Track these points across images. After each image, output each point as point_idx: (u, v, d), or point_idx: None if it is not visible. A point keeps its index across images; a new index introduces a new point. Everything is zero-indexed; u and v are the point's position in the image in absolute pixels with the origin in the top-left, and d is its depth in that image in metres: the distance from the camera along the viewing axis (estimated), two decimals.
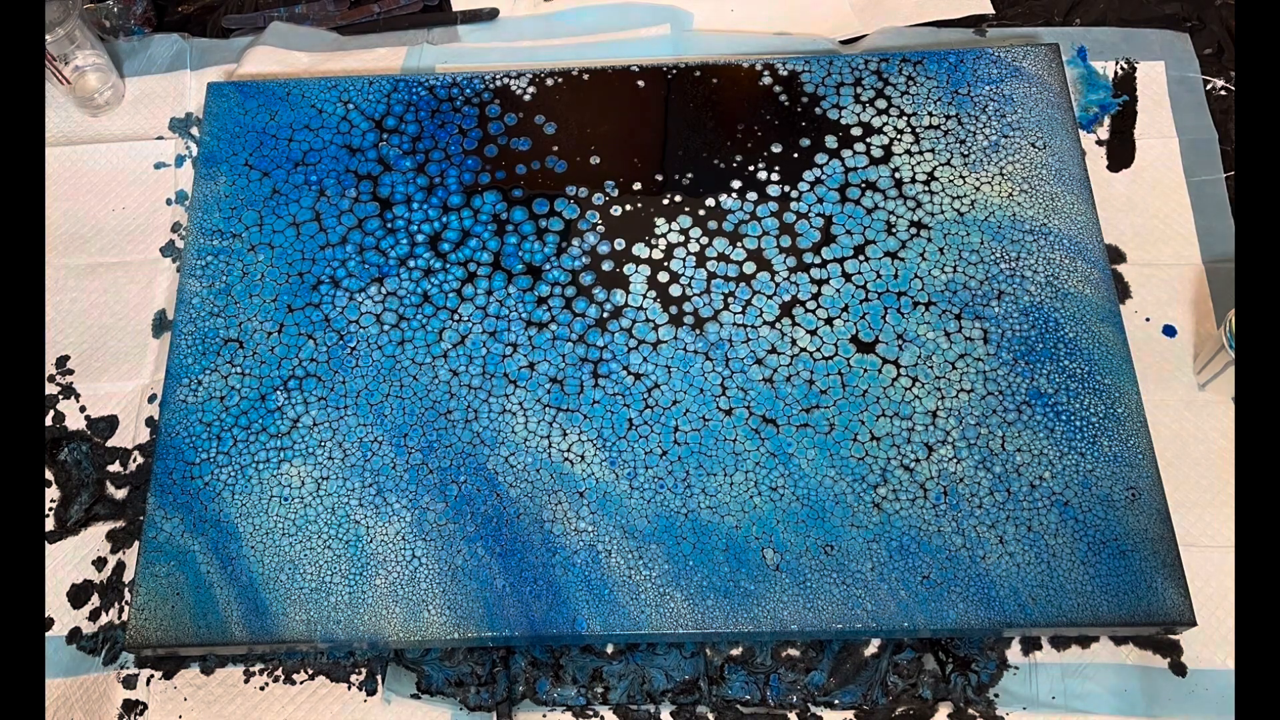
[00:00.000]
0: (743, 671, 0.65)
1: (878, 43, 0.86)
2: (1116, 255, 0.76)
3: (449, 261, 0.74)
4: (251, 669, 0.65)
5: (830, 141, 0.77)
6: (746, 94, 0.80)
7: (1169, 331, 0.74)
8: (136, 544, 0.68)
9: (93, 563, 0.69)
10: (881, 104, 0.79)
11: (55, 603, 0.68)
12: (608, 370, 0.70)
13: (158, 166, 0.84)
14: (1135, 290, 0.75)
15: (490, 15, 0.90)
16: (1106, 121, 0.82)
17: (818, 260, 0.73)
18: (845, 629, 0.62)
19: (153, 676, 0.65)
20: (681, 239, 0.74)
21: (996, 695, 0.63)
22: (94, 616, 0.67)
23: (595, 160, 0.78)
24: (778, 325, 0.71)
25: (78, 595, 0.68)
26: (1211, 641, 0.64)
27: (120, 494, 0.71)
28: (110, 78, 0.85)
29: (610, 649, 0.65)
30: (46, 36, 0.78)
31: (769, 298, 0.72)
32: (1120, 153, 0.81)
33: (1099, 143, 0.82)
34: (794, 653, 0.65)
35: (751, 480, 0.66)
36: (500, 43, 0.90)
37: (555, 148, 0.79)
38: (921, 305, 0.71)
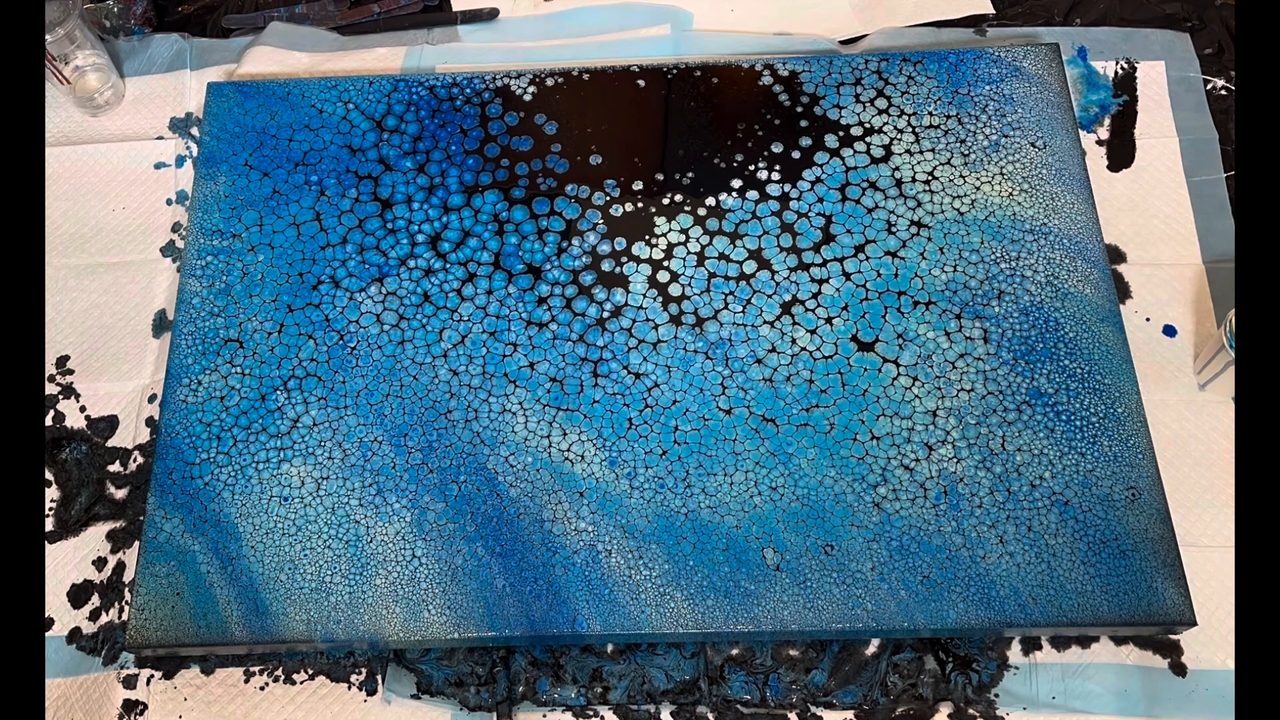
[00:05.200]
0: (743, 671, 0.65)
1: (878, 43, 0.86)
2: (1116, 255, 0.76)
3: (449, 261, 0.74)
4: (251, 669, 0.65)
5: (830, 141, 0.78)
6: (746, 94, 0.80)
7: (1169, 331, 0.74)
8: (136, 544, 0.68)
9: (93, 563, 0.69)
10: (882, 104, 0.79)
11: (55, 603, 0.68)
12: (608, 370, 0.70)
13: (158, 166, 0.84)
14: (1135, 290, 0.75)
15: (490, 15, 0.90)
16: (1106, 121, 0.82)
17: (818, 259, 0.73)
18: (845, 629, 0.62)
19: (153, 676, 0.65)
20: (682, 238, 0.74)
21: (997, 695, 0.63)
22: (94, 616, 0.67)
23: (596, 160, 0.78)
24: (778, 324, 0.71)
25: (78, 595, 0.68)
26: (1211, 641, 0.64)
27: (120, 494, 0.71)
28: (110, 78, 0.85)
29: (610, 649, 0.65)
30: (46, 36, 0.78)
31: (769, 297, 0.72)
32: (1120, 153, 0.81)
33: (1099, 143, 0.82)
34: (794, 653, 0.65)
35: (751, 480, 0.66)
36: (500, 43, 0.90)
37: (556, 147, 0.79)
38: (922, 304, 0.71)
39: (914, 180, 0.76)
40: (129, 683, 0.65)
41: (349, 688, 0.65)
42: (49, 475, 0.72)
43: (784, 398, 0.68)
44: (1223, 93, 0.84)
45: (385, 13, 0.91)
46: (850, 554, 0.64)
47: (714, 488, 0.66)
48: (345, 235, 0.75)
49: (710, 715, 0.63)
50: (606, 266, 0.74)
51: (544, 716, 0.64)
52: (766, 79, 0.81)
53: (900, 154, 0.77)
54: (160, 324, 0.77)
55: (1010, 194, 0.75)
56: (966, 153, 0.77)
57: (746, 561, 0.64)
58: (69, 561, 0.69)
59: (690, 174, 0.77)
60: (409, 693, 0.65)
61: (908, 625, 0.62)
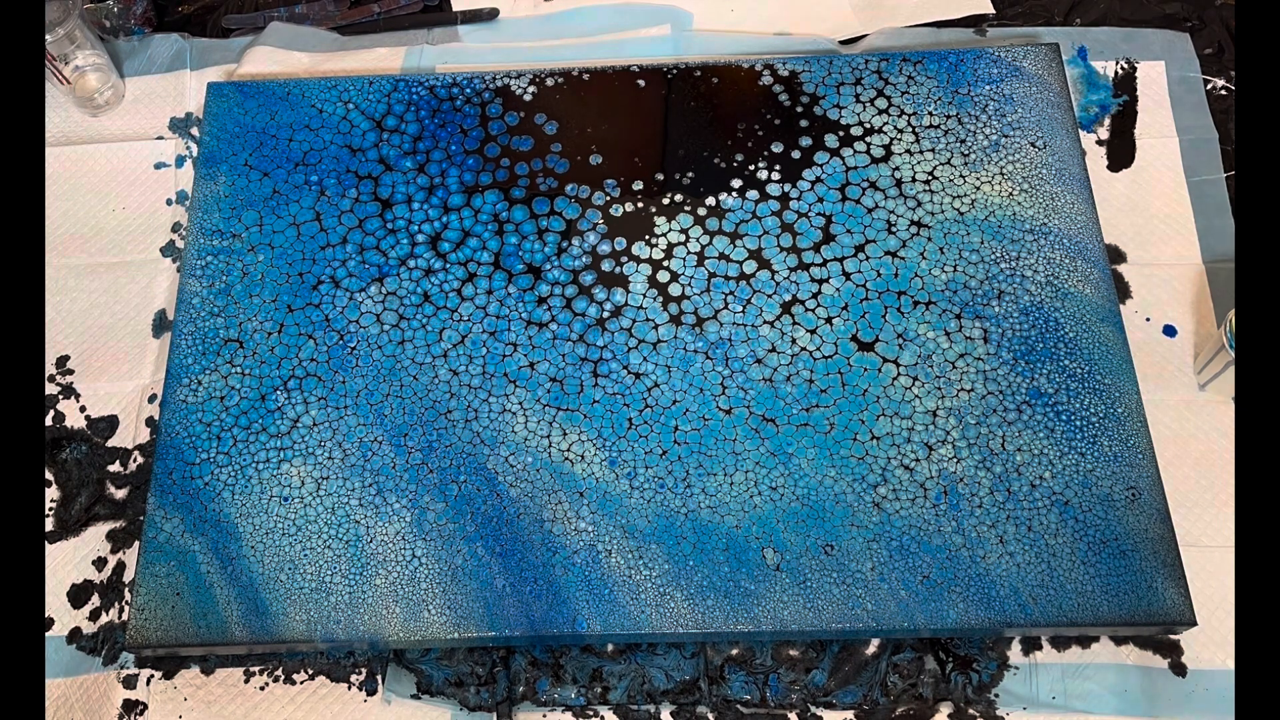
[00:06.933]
0: (743, 671, 0.65)
1: (877, 43, 0.86)
2: (1116, 255, 0.76)
3: (449, 261, 0.74)
4: (251, 669, 0.65)
5: (831, 141, 0.78)
6: (746, 94, 0.80)
7: (1169, 331, 0.74)
8: (136, 544, 0.68)
9: (93, 563, 0.69)
10: (882, 103, 0.79)
11: (55, 603, 0.68)
12: (608, 370, 0.70)
13: (158, 166, 0.84)
14: (1135, 290, 0.75)
15: (490, 15, 0.90)
16: (1106, 121, 0.82)
17: (818, 259, 0.73)
18: (845, 629, 0.62)
19: (153, 676, 0.65)
20: (682, 238, 0.74)
21: (997, 695, 0.63)
22: (94, 616, 0.67)
23: (596, 160, 0.78)
24: (778, 324, 0.71)
25: (78, 595, 0.68)
26: (1211, 641, 0.64)
27: (120, 494, 0.71)
28: (110, 78, 0.85)
29: (610, 649, 0.65)
30: (46, 36, 0.78)
31: (769, 297, 0.72)
32: (1120, 153, 0.81)
33: (1099, 143, 0.82)
34: (794, 653, 0.65)
35: (751, 480, 0.66)
36: (500, 43, 0.90)
37: (556, 147, 0.79)
38: (922, 304, 0.71)
39: (914, 180, 0.76)
40: (129, 683, 0.65)
41: (349, 688, 0.65)
42: (49, 475, 0.72)
43: (784, 398, 0.68)
44: (1223, 93, 0.84)
45: (385, 13, 0.91)
46: (850, 554, 0.64)
47: (714, 488, 0.66)
48: (345, 235, 0.75)
49: (710, 715, 0.63)
50: (606, 266, 0.74)
51: (544, 716, 0.64)
52: (766, 79, 0.81)
53: (900, 154, 0.77)
54: (160, 324, 0.77)
55: (1010, 194, 0.75)
56: (966, 153, 0.77)
57: (746, 561, 0.64)
58: (69, 561, 0.69)
59: (690, 174, 0.77)
60: (409, 693, 0.65)
61: (908, 625, 0.62)
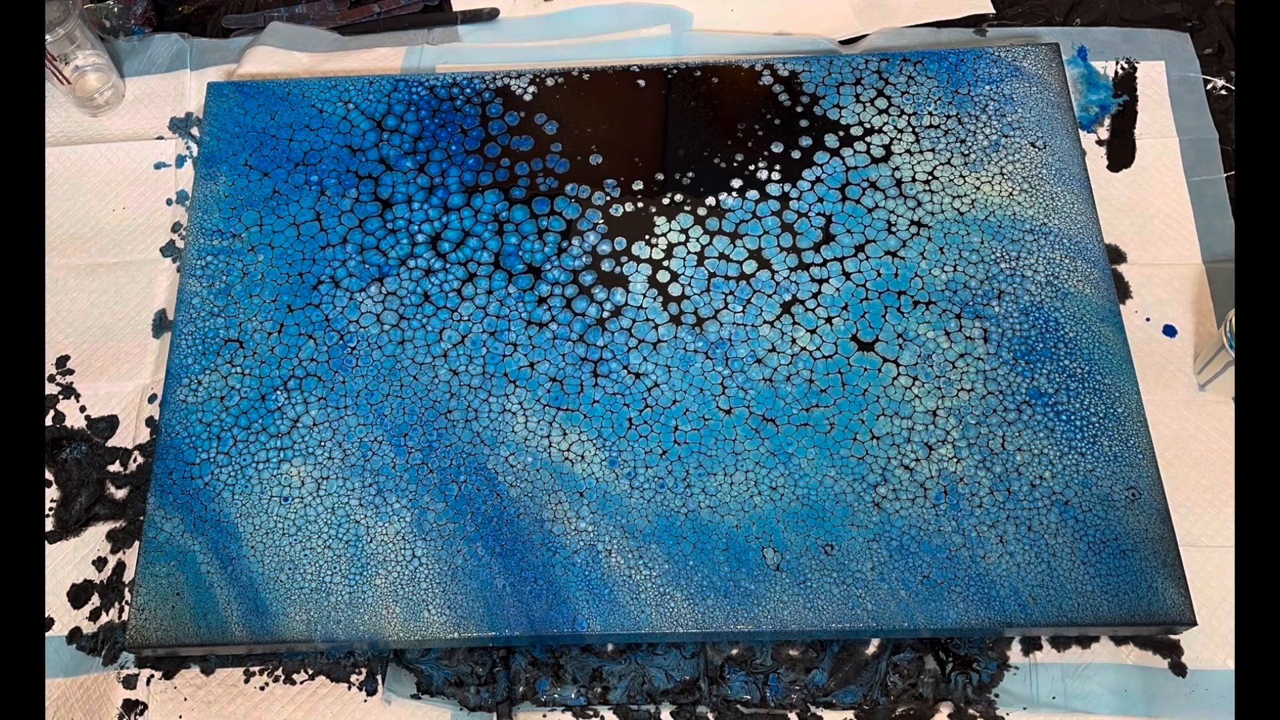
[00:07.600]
0: (743, 671, 0.65)
1: (877, 43, 0.86)
2: (1116, 255, 0.77)
3: (449, 261, 0.74)
4: (251, 669, 0.65)
5: (831, 141, 0.78)
6: (746, 94, 0.80)
7: (1169, 331, 0.74)
8: (136, 544, 0.68)
9: (93, 563, 0.69)
10: (882, 103, 0.79)
11: (55, 603, 0.68)
12: (608, 370, 0.70)
13: (158, 166, 0.84)
14: (1135, 290, 0.75)
15: (490, 15, 0.90)
16: (1106, 121, 0.82)
17: (818, 259, 0.73)
18: (845, 629, 0.62)
19: (153, 676, 0.65)
20: (682, 238, 0.74)
21: (997, 695, 0.63)
22: (94, 616, 0.67)
23: (596, 160, 0.78)
24: (778, 324, 0.71)
25: (78, 595, 0.68)
26: (1211, 641, 0.64)
27: (120, 494, 0.71)
28: (110, 78, 0.85)
29: (610, 649, 0.65)
30: (46, 36, 0.78)
31: (769, 297, 0.72)
32: (1120, 153, 0.81)
33: (1099, 143, 0.82)
34: (794, 653, 0.65)
35: (751, 480, 0.66)
36: (500, 43, 0.90)
37: (556, 147, 0.79)
38: (922, 304, 0.71)
39: (914, 180, 0.76)
40: (129, 683, 0.65)
41: (349, 688, 0.65)
42: (49, 475, 0.72)
43: (784, 397, 0.68)
44: (1223, 93, 0.84)
45: (385, 13, 0.91)
46: (850, 554, 0.64)
47: (714, 488, 0.66)
48: (345, 235, 0.75)
49: (710, 715, 0.63)
50: (606, 266, 0.74)
51: (544, 716, 0.64)
52: (766, 79, 0.81)
53: (900, 154, 0.77)
54: (160, 324, 0.77)
55: (1010, 194, 0.75)
56: (966, 153, 0.77)
57: (746, 561, 0.64)
58: (69, 561, 0.69)
59: (690, 174, 0.77)
60: (409, 693, 0.65)
61: (908, 625, 0.62)
